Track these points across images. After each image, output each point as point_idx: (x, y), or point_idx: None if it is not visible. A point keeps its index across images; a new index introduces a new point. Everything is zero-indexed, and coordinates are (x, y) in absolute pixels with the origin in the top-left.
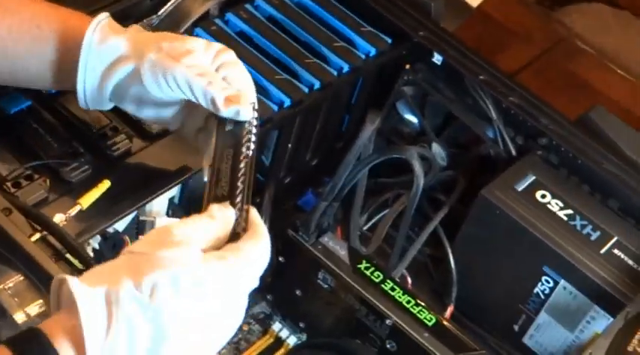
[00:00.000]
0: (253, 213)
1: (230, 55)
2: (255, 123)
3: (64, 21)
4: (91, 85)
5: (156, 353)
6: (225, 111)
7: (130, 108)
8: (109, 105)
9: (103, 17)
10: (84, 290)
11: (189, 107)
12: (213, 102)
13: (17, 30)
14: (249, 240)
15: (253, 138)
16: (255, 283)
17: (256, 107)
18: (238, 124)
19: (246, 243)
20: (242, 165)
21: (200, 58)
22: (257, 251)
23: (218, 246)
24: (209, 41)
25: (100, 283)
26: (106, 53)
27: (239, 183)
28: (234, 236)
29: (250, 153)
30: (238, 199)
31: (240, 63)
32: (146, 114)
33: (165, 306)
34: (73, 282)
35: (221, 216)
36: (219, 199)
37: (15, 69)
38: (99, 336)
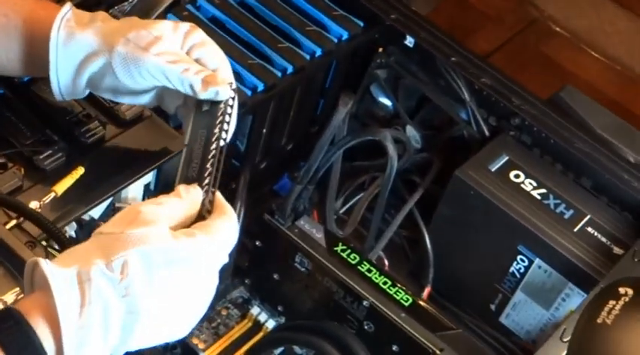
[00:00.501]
0: (218, 195)
1: (199, 34)
2: (231, 103)
3: (31, 11)
4: (65, 81)
5: (129, 328)
6: (204, 94)
7: (106, 95)
8: (84, 94)
9: (67, 10)
10: (56, 270)
11: (165, 91)
12: (191, 87)
13: None
14: (217, 217)
15: (228, 119)
16: (224, 259)
17: (234, 86)
18: (214, 104)
19: (214, 221)
20: (213, 146)
21: (169, 43)
22: (224, 227)
23: (186, 225)
24: (176, 22)
25: (72, 264)
26: (74, 51)
27: (208, 165)
28: (200, 218)
29: (224, 134)
30: (206, 181)
31: (211, 41)
32: (123, 100)
33: (136, 283)
34: (44, 264)
35: (188, 197)
36: (189, 180)
37: None
38: (73, 314)
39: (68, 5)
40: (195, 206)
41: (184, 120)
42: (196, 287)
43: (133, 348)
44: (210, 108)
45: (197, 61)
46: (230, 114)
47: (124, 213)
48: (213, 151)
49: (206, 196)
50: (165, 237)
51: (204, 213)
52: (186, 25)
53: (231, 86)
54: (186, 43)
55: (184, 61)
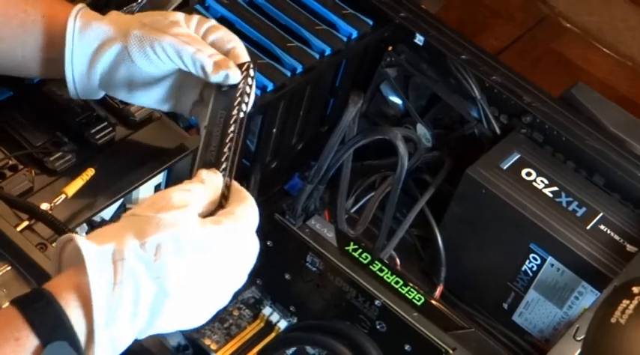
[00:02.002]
0: (235, 183)
1: (211, 21)
2: (250, 82)
3: (49, 7)
4: (80, 72)
5: (158, 309)
6: (215, 77)
7: (121, 93)
8: (100, 94)
9: (81, 7)
10: (92, 247)
11: (180, 82)
12: (202, 69)
13: (4, 13)
14: (239, 204)
15: (246, 99)
16: (252, 242)
17: (252, 66)
18: (233, 86)
19: (237, 208)
20: (231, 128)
21: (184, 28)
22: (248, 214)
23: (208, 210)
24: (187, 14)
25: (106, 242)
26: (90, 37)
27: (225, 149)
28: (219, 203)
29: (242, 114)
30: (223, 166)
31: (224, 27)
32: (138, 97)
33: (169, 265)
34: (81, 241)
35: (210, 181)
36: (207, 164)
37: (1, 54)
38: (105, 292)
39: (81, 4)
40: (216, 191)
41: (201, 117)
42: (222, 274)
43: (157, 331)
44: (229, 89)
45: (212, 44)
46: (249, 94)
47: (156, 198)
48: (231, 134)
49: (223, 181)
50: (194, 223)
51: (221, 199)
52: (198, 16)
53: (248, 65)
54: (200, 28)
55: (199, 43)
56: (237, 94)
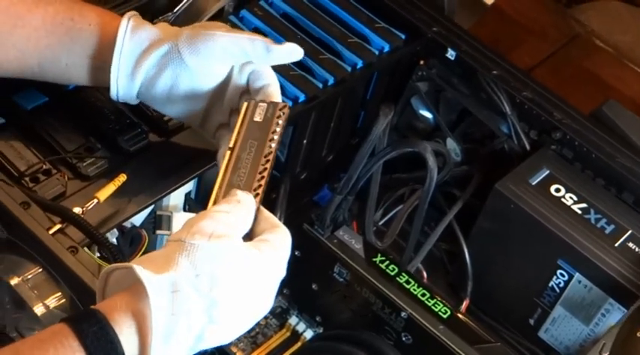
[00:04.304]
0: (264, 209)
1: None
2: (281, 122)
3: (98, 16)
4: (125, 72)
5: (203, 337)
6: (280, 50)
7: (157, 102)
8: (136, 99)
9: (134, 12)
10: (152, 277)
11: (214, 102)
12: (264, 45)
13: (51, 21)
14: (277, 233)
15: (277, 138)
16: (283, 273)
17: (289, 108)
18: (267, 119)
19: (276, 236)
20: (263, 162)
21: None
22: (285, 244)
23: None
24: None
25: (163, 271)
26: (141, 37)
27: (256, 181)
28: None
29: (273, 150)
30: (254, 193)
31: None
32: (172, 108)
33: (220, 297)
34: (140, 270)
35: (246, 203)
36: (233, 187)
37: (45, 61)
38: (163, 322)
39: (134, 11)
40: (252, 214)
41: (222, 141)
42: (260, 300)
43: (193, 352)
44: (263, 121)
45: (249, 74)
46: (280, 134)
47: (202, 222)
48: (263, 166)
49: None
50: (242, 253)
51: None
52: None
53: (287, 107)
54: None
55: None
56: (272, 130)
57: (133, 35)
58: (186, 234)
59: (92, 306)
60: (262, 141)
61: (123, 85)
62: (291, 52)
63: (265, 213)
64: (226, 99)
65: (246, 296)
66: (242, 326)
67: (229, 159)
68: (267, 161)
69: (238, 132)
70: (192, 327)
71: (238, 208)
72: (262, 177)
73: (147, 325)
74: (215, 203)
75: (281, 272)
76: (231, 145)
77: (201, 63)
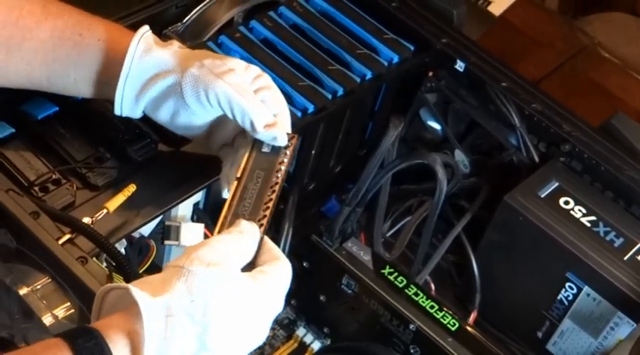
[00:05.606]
0: (268, 239)
1: (267, 79)
2: (288, 153)
3: (107, 31)
4: (130, 95)
5: None
6: (261, 134)
7: (162, 119)
8: (140, 115)
9: (146, 30)
10: (147, 299)
11: (220, 122)
12: (251, 124)
13: (59, 35)
14: (277, 265)
15: (284, 168)
16: (281, 307)
17: (298, 139)
18: (275, 149)
19: (276, 268)
20: (269, 193)
21: (241, 77)
22: (285, 277)
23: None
24: (248, 64)
25: (158, 294)
26: (149, 64)
27: (261, 211)
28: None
29: (280, 181)
30: (259, 224)
31: (276, 88)
32: (177, 127)
33: (213, 323)
34: (136, 292)
35: (250, 234)
36: (238, 217)
37: (53, 74)
38: (156, 345)
39: (146, 27)
40: (255, 244)
41: (226, 158)
42: (253, 330)
43: None
44: (271, 152)
45: (261, 102)
46: (288, 164)
47: (201, 250)
48: (269, 197)
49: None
50: (238, 280)
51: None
52: (257, 69)
53: (296, 138)
54: (255, 83)
55: (250, 97)
56: (279, 161)
57: (140, 61)
58: (186, 261)
59: (88, 325)
60: (269, 171)
61: (127, 107)
62: (274, 139)
63: (269, 244)
64: (230, 126)
65: (239, 325)
66: (234, 352)
67: (236, 189)
68: (273, 192)
69: (246, 163)
70: (185, 352)
71: (240, 238)
72: (267, 208)
73: (141, 346)
74: (220, 232)
75: (277, 304)
76: (238, 175)
77: (200, 106)
